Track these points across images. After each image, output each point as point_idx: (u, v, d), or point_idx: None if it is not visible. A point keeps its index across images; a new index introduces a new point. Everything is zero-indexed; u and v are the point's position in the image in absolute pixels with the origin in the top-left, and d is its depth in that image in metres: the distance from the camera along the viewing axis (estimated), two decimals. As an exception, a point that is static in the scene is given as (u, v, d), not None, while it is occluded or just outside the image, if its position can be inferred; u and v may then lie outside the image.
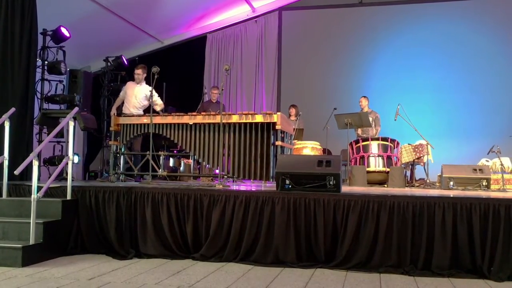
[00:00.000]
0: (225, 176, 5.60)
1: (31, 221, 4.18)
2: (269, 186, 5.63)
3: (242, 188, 4.98)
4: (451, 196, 4.25)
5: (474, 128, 9.27)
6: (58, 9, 7.48)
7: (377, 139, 7.53)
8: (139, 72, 6.91)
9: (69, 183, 4.78)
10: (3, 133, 5.01)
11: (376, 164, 7.33)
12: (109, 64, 8.73)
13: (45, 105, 7.31)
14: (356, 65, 10.01)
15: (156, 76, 5.71)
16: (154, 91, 6.74)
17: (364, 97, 8.37)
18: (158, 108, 6.84)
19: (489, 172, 6.37)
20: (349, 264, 4.11)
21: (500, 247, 3.88)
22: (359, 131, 8.27)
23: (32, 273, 3.86)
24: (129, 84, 7.07)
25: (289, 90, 10.33)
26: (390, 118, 7.63)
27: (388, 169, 7.13)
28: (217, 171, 5.90)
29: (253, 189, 4.69)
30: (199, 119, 5.86)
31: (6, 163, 4.97)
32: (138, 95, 6.88)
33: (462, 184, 6.25)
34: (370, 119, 8.07)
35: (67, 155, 4.96)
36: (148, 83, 6.54)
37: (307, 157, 5.69)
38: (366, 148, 7.45)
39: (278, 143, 5.63)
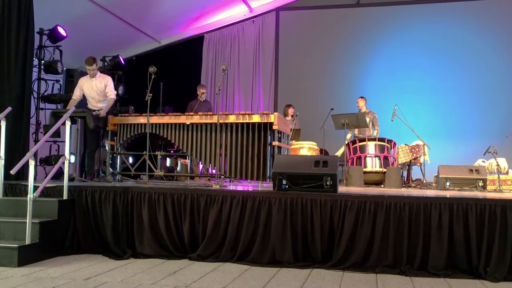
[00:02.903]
0: (222, 176, 5.60)
1: (27, 220, 4.17)
2: (266, 186, 5.63)
3: (239, 188, 4.98)
4: (448, 196, 4.26)
5: (470, 129, 9.30)
6: (55, 9, 7.46)
7: (374, 139, 7.54)
8: (93, 67, 6.43)
9: (65, 183, 4.77)
10: (-1, 133, 5.00)
11: (373, 164, 7.34)
12: (106, 63, 8.71)
13: (42, 105, 7.30)
14: (353, 66, 10.02)
15: (153, 76, 5.71)
16: (109, 81, 6.53)
17: (361, 97, 8.38)
18: (112, 95, 6.54)
19: (485, 172, 6.39)
20: (346, 264, 4.12)
21: (496, 248, 3.89)
22: (356, 131, 8.28)
23: (28, 273, 3.85)
24: (83, 80, 6.56)
25: (286, 90, 10.34)
26: (387, 118, 7.64)
27: (384, 170, 7.13)
28: (213, 171, 5.89)
29: (250, 189, 4.69)
30: (196, 119, 5.86)
31: (2, 162, 4.95)
32: (99, 87, 6.50)
33: (459, 185, 6.26)
34: (368, 119, 8.08)
35: (64, 154, 4.94)
36: (145, 82, 6.52)
37: (304, 158, 5.69)
38: (363, 149, 7.45)
39: (275, 143, 5.63)
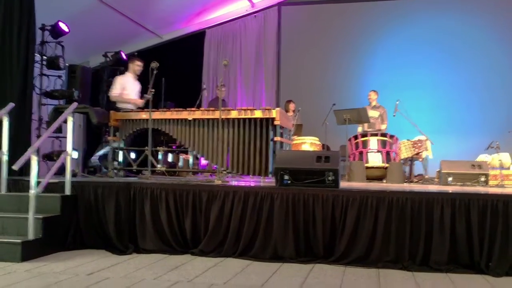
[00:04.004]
0: (224, 172, 5.60)
1: (30, 216, 4.18)
2: (268, 181, 5.63)
3: (241, 183, 4.98)
4: (450, 192, 4.26)
5: (472, 124, 9.28)
6: (56, 4, 7.45)
7: (376, 134, 7.54)
8: (142, 65, 6.74)
9: (68, 178, 4.78)
10: (2, 129, 5.01)
11: (375, 159, 7.34)
12: (108, 59, 8.70)
13: (44, 100, 7.31)
14: (355, 61, 10.00)
15: (155, 72, 5.70)
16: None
17: (374, 91, 8.38)
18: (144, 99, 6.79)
19: (487, 168, 6.38)
20: (348, 259, 4.12)
21: (498, 243, 3.89)
22: (365, 126, 8.24)
23: (31, 268, 3.87)
24: (128, 79, 6.80)
25: (288, 85, 10.33)
26: (389, 113, 7.64)
27: (387, 165, 7.13)
28: (215, 166, 5.90)
29: (252, 185, 4.70)
30: (198, 114, 5.86)
31: (5, 158, 4.97)
32: (137, 89, 6.79)
33: (461, 180, 6.25)
34: (378, 113, 8.12)
35: (66, 150, 4.95)
36: (147, 78, 6.54)
37: (306, 153, 5.69)
38: (365, 144, 7.45)
39: (277, 138, 5.63)
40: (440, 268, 3.93)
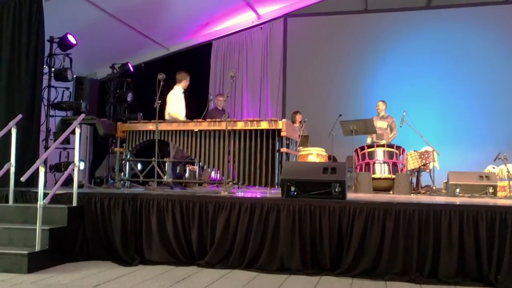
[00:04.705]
0: (230, 183, 5.60)
1: (37, 227, 4.19)
2: (274, 193, 5.62)
3: (247, 195, 4.97)
4: (457, 203, 4.23)
5: (480, 135, 9.23)
6: (65, 17, 7.53)
7: (383, 145, 7.51)
8: None
9: (75, 189, 4.80)
10: (10, 140, 5.04)
11: (381, 170, 7.31)
12: (115, 71, 8.77)
13: (52, 112, 7.35)
14: (361, 72, 10.00)
15: (162, 83, 5.74)
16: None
17: (382, 101, 8.34)
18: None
19: (495, 179, 6.34)
20: (355, 272, 4.09)
21: (507, 255, 3.85)
22: (374, 137, 8.21)
23: (38, 279, 3.87)
24: (182, 94, 6.98)
25: (294, 96, 10.34)
26: (398, 123, 7.62)
27: (393, 176, 7.10)
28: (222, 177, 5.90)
29: (258, 196, 4.69)
30: (204, 126, 5.87)
31: (12, 169, 4.99)
32: None
33: (469, 191, 6.21)
34: (386, 123, 8.11)
35: (73, 161, 4.97)
36: (154, 89, 6.58)
37: (312, 164, 5.69)
38: (371, 155, 7.43)
39: (284, 149, 5.62)
40: (448, 281, 3.89)
